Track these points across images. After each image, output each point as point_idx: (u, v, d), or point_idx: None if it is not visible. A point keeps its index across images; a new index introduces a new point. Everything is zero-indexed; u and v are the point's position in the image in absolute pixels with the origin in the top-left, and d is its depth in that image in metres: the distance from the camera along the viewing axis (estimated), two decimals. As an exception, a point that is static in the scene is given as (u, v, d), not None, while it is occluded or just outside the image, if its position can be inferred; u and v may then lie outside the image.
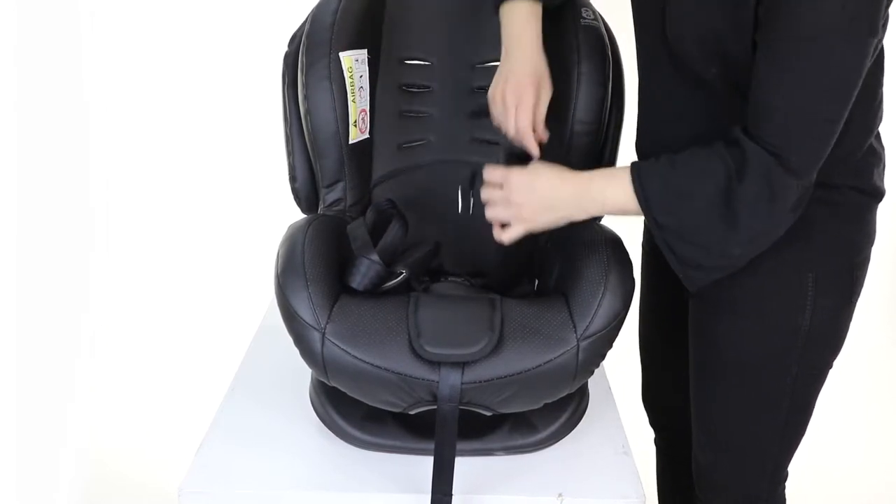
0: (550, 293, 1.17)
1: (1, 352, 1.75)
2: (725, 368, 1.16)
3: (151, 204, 2.11)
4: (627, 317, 1.12)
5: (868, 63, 0.96)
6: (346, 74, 1.25)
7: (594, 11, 1.31)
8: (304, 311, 1.07)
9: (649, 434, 1.50)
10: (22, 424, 1.79)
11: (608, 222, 1.23)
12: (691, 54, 1.06)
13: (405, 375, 1.04)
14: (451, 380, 1.04)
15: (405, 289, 1.17)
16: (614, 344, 1.12)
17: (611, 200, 1.07)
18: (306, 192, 1.32)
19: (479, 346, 1.04)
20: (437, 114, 1.39)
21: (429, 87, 1.39)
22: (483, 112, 1.22)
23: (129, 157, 2.08)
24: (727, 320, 1.14)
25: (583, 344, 1.07)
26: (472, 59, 1.38)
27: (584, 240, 1.15)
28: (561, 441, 1.18)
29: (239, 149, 2.06)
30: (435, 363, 1.04)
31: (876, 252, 1.15)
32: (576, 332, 1.07)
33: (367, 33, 1.31)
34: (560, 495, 1.09)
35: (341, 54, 1.25)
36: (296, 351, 1.09)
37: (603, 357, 1.12)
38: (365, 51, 1.29)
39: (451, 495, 1.04)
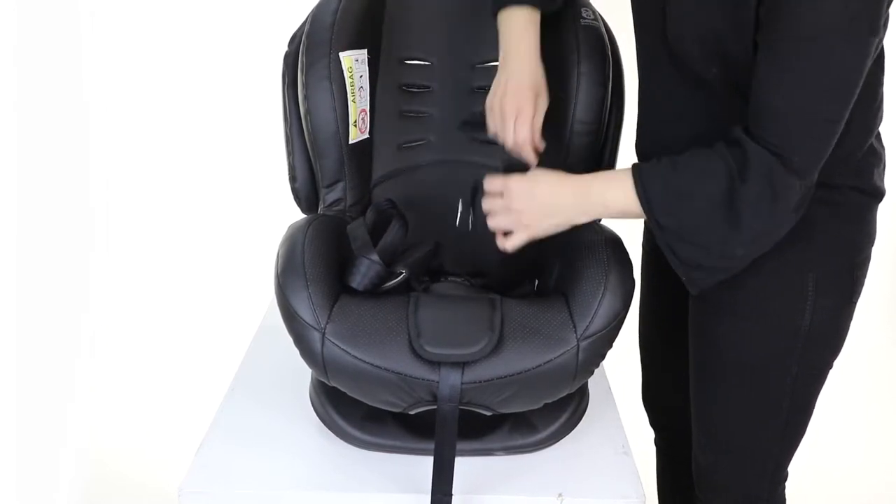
0: (550, 293, 1.17)
1: (1, 352, 1.75)
2: (726, 369, 1.16)
3: (151, 204, 2.11)
4: (627, 317, 1.12)
5: (869, 63, 0.96)
6: (346, 74, 1.25)
7: (594, 11, 1.31)
8: (304, 311, 1.07)
9: (649, 434, 1.50)
10: (22, 424, 1.79)
11: (608, 223, 1.23)
12: (691, 54, 1.06)
13: (405, 375, 1.04)
14: (451, 380, 1.04)
15: (405, 289, 1.17)
16: (614, 344, 1.12)
17: (612, 203, 1.07)
18: (306, 192, 1.32)
19: (479, 346, 1.04)
20: (437, 114, 1.39)
21: (429, 87, 1.39)
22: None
23: (129, 157, 2.08)
24: (727, 321, 1.14)
25: (583, 344, 1.07)
26: (472, 59, 1.38)
27: (584, 240, 1.15)
28: (561, 441, 1.18)
29: (239, 149, 2.06)
30: (435, 363, 1.04)
31: (876, 252, 1.15)
32: (576, 332, 1.07)
33: (367, 33, 1.31)
34: (560, 495, 1.09)
35: (341, 54, 1.25)
36: (296, 351, 1.09)
37: (603, 357, 1.12)
38: (365, 51, 1.29)
39: (451, 495, 1.04)
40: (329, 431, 1.18)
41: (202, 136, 2.07)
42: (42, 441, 1.89)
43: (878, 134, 1.12)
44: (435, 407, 1.05)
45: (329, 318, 1.07)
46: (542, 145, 1.18)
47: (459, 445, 1.06)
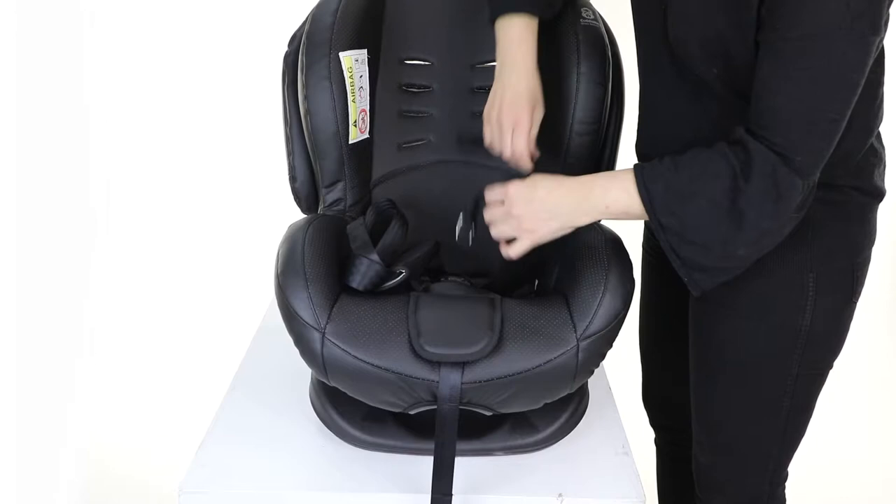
0: (550, 293, 1.17)
1: (1, 352, 1.75)
2: (726, 368, 1.16)
3: (151, 204, 2.11)
4: (627, 317, 1.12)
5: (870, 62, 0.96)
6: (346, 74, 1.25)
7: (594, 11, 1.31)
8: (304, 311, 1.07)
9: (649, 434, 1.50)
10: (22, 424, 1.79)
11: (608, 223, 1.23)
12: (693, 56, 1.06)
13: (405, 375, 1.04)
14: (451, 380, 1.04)
15: (405, 289, 1.17)
16: (614, 344, 1.12)
17: (613, 203, 1.06)
18: (306, 192, 1.32)
19: (479, 346, 1.04)
20: (437, 114, 1.39)
21: (429, 87, 1.39)
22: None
23: (130, 157, 2.08)
24: (728, 320, 1.14)
25: (583, 344, 1.07)
26: (472, 59, 1.38)
27: (583, 240, 1.15)
28: (561, 441, 1.18)
29: (239, 149, 2.06)
30: (435, 363, 1.04)
31: (876, 252, 1.15)
32: (576, 332, 1.07)
33: (367, 33, 1.31)
34: (560, 495, 1.09)
35: (341, 54, 1.25)
36: (296, 351, 1.09)
37: (603, 357, 1.12)
38: (365, 51, 1.29)
39: (451, 495, 1.04)
40: (329, 431, 1.18)
41: (202, 136, 2.07)
42: (42, 441, 1.89)
43: (879, 134, 1.12)
44: (435, 407, 1.05)
45: (329, 318, 1.07)
46: (537, 154, 1.19)
47: (459, 445, 1.06)
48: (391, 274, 1.14)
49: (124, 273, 2.13)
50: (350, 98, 1.25)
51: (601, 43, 1.28)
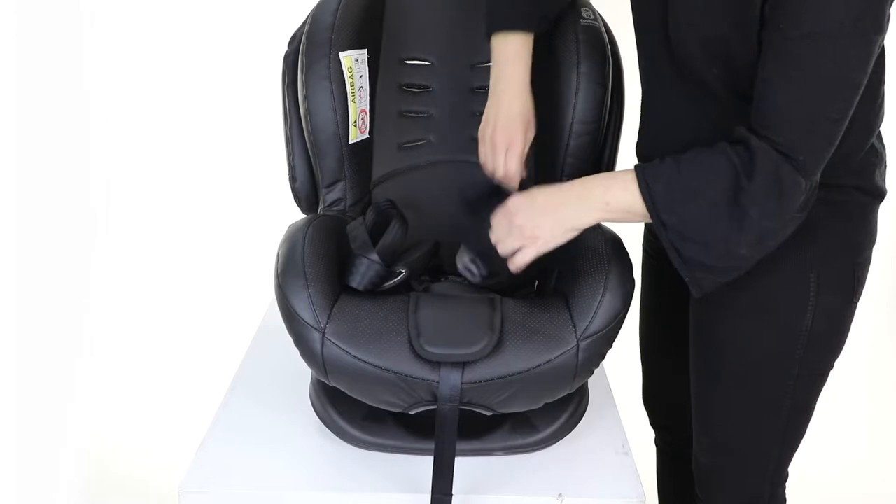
0: (550, 293, 1.17)
1: (1, 352, 1.75)
2: (726, 369, 1.16)
3: (151, 204, 2.11)
4: (627, 317, 1.12)
5: (873, 61, 0.96)
6: (346, 74, 1.25)
7: (594, 11, 1.31)
8: (304, 311, 1.07)
9: (649, 434, 1.50)
10: (22, 424, 1.79)
11: (608, 224, 1.23)
12: (694, 56, 1.06)
13: (405, 375, 1.04)
14: (451, 380, 1.04)
15: (405, 289, 1.17)
16: (614, 344, 1.12)
17: (614, 201, 1.06)
18: (306, 192, 1.32)
19: (479, 346, 1.04)
20: (437, 114, 1.39)
21: (429, 87, 1.39)
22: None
23: (130, 157, 2.07)
24: (728, 320, 1.14)
25: (583, 344, 1.07)
26: (472, 59, 1.38)
27: (584, 240, 1.15)
28: (561, 441, 1.18)
29: (239, 149, 2.06)
30: (435, 363, 1.04)
31: (876, 252, 1.15)
32: (576, 332, 1.07)
33: (367, 33, 1.31)
34: (560, 495, 1.09)
35: (341, 54, 1.25)
36: (296, 351, 1.09)
37: (603, 357, 1.12)
38: (365, 51, 1.29)
39: (451, 495, 1.04)
40: (329, 431, 1.18)
41: (202, 136, 2.07)
42: (42, 441, 1.89)
43: (880, 134, 1.12)
44: (435, 407, 1.05)
45: (329, 318, 1.07)
46: (525, 174, 1.22)
47: (459, 445, 1.06)
48: (391, 274, 1.14)
49: (124, 273, 2.13)
50: (350, 98, 1.25)
51: (601, 43, 1.28)
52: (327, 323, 1.06)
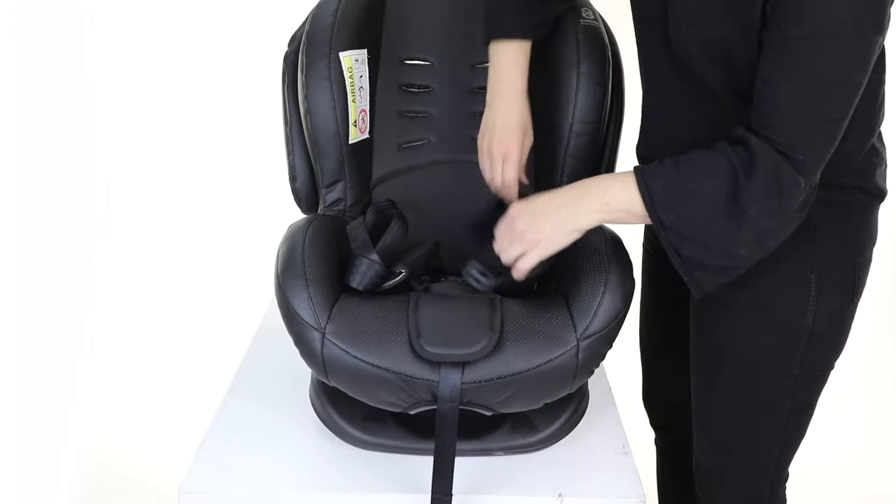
0: (550, 293, 1.17)
1: (1, 352, 1.75)
2: (726, 369, 1.16)
3: (151, 204, 2.11)
4: (627, 317, 1.12)
5: (873, 61, 0.96)
6: (346, 74, 1.25)
7: (594, 11, 1.31)
8: (304, 311, 1.07)
9: (649, 434, 1.49)
10: (22, 424, 1.79)
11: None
12: (694, 57, 1.06)
13: (405, 375, 1.04)
14: (451, 380, 1.04)
15: (405, 289, 1.17)
16: (614, 344, 1.12)
17: (613, 201, 1.06)
18: (306, 192, 1.32)
19: (480, 346, 1.04)
20: (437, 114, 1.39)
21: (429, 87, 1.39)
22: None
23: (130, 157, 2.07)
24: (729, 320, 1.14)
25: (583, 344, 1.07)
26: (472, 59, 1.38)
27: (584, 240, 1.15)
28: (561, 441, 1.18)
29: (239, 149, 2.06)
30: (435, 363, 1.04)
31: (877, 252, 1.15)
32: (576, 331, 1.07)
33: (367, 33, 1.31)
34: (560, 495, 1.09)
35: (341, 54, 1.25)
36: (296, 351, 1.09)
37: (603, 357, 1.11)
38: (365, 51, 1.29)
39: (451, 495, 1.04)
40: (329, 431, 1.17)
41: (202, 136, 2.07)
42: (42, 441, 1.89)
43: (880, 134, 1.12)
44: (435, 407, 1.05)
45: (329, 318, 1.07)
46: (525, 182, 1.23)
47: (459, 445, 1.06)
48: (391, 274, 1.14)
49: (124, 273, 2.13)
50: (350, 98, 1.25)
51: (601, 43, 1.28)
52: (327, 323, 1.06)
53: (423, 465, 1.09)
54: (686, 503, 1.37)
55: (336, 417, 1.17)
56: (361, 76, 1.28)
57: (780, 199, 0.98)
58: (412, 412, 1.09)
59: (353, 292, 1.12)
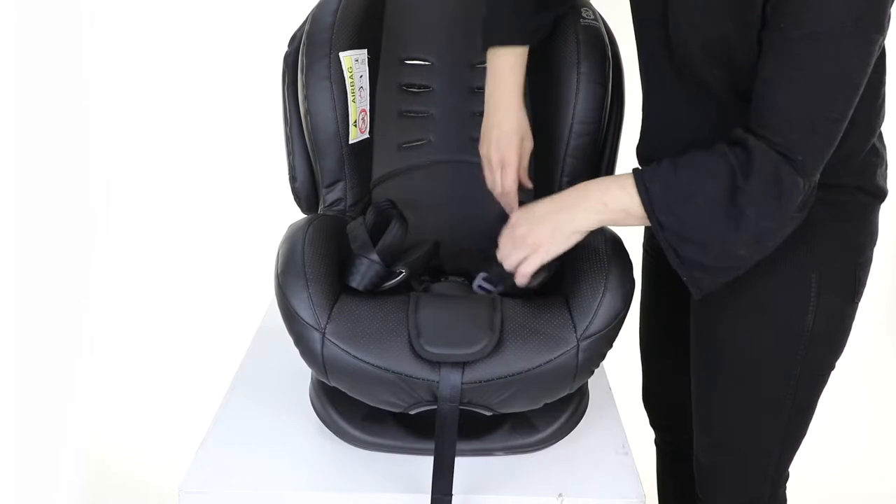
0: (550, 293, 1.17)
1: (1, 352, 1.75)
2: (727, 369, 1.16)
3: (151, 204, 2.11)
4: (627, 317, 1.12)
5: (873, 61, 0.96)
6: (347, 74, 1.25)
7: (594, 11, 1.31)
8: (304, 311, 1.07)
9: (649, 434, 1.49)
10: (22, 424, 1.79)
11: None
12: (694, 57, 1.06)
13: (405, 375, 1.04)
14: (451, 380, 1.04)
15: (405, 289, 1.17)
16: (614, 344, 1.12)
17: (612, 202, 1.06)
18: (306, 192, 1.32)
19: (480, 346, 1.04)
20: (437, 114, 1.39)
21: (429, 87, 1.39)
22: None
23: (130, 157, 2.07)
24: (729, 321, 1.14)
25: (583, 344, 1.07)
26: (472, 58, 1.38)
27: (583, 240, 1.15)
28: (561, 441, 1.18)
29: (239, 149, 2.06)
30: (435, 363, 1.04)
31: (877, 253, 1.15)
32: (576, 332, 1.07)
33: (367, 33, 1.31)
34: (560, 495, 1.09)
35: (341, 54, 1.25)
36: (296, 351, 1.09)
37: (603, 357, 1.11)
38: (365, 51, 1.29)
39: (451, 495, 1.04)
40: (329, 431, 1.17)
41: (202, 136, 2.07)
42: (42, 441, 1.89)
43: (881, 134, 1.12)
44: (435, 407, 1.05)
45: (329, 318, 1.07)
46: (529, 185, 1.24)
47: (459, 445, 1.06)
48: (391, 274, 1.14)
49: (124, 273, 2.13)
50: (350, 98, 1.25)
51: (601, 43, 1.28)
52: (327, 323, 1.06)
53: (423, 465, 1.09)
54: (686, 503, 1.37)
55: (336, 417, 1.17)
56: (361, 76, 1.28)
57: (779, 199, 0.98)
58: (412, 412, 1.09)
59: (353, 292, 1.12)
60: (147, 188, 2.10)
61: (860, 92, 0.96)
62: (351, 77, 1.25)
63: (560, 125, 1.26)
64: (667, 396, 1.41)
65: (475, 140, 1.36)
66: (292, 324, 1.08)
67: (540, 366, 1.05)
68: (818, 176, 1.00)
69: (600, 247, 1.14)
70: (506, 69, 1.21)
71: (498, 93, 1.22)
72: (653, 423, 1.49)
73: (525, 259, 1.10)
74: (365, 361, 1.05)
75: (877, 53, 0.97)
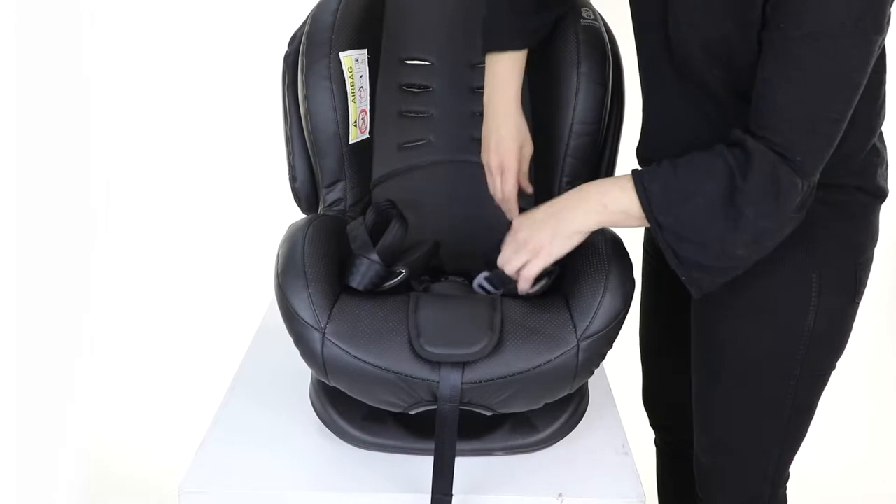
0: (550, 293, 1.17)
1: (1, 352, 1.75)
2: (727, 369, 1.16)
3: (151, 204, 2.11)
4: (627, 317, 1.12)
5: (873, 61, 0.96)
6: (347, 74, 1.25)
7: (594, 11, 1.31)
8: (304, 311, 1.07)
9: (649, 434, 1.49)
10: (22, 424, 1.79)
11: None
12: (694, 58, 1.06)
13: (405, 375, 1.04)
14: (451, 380, 1.04)
15: (405, 289, 1.17)
16: (614, 344, 1.12)
17: (612, 203, 1.06)
18: (306, 192, 1.32)
19: (480, 346, 1.04)
20: (437, 114, 1.39)
21: (429, 87, 1.39)
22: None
23: (130, 157, 2.07)
24: (730, 321, 1.14)
25: (583, 344, 1.07)
26: (472, 58, 1.38)
27: (584, 240, 1.15)
28: (561, 441, 1.18)
29: (239, 149, 2.06)
30: (435, 363, 1.04)
31: (877, 253, 1.15)
32: (576, 332, 1.07)
33: (367, 33, 1.31)
34: (560, 495, 1.09)
35: (341, 54, 1.25)
36: (296, 351, 1.09)
37: (603, 357, 1.11)
38: (365, 51, 1.29)
39: (451, 495, 1.04)
40: (329, 431, 1.17)
41: (202, 136, 2.07)
42: (42, 441, 1.89)
43: (881, 133, 1.12)
44: (435, 407, 1.05)
45: (329, 318, 1.07)
46: (530, 190, 1.25)
47: (459, 445, 1.06)
48: (391, 274, 1.14)
49: (124, 273, 2.13)
50: (350, 98, 1.25)
51: (601, 43, 1.28)
52: (327, 323, 1.06)
53: (423, 465, 1.09)
54: (686, 503, 1.37)
55: (336, 417, 1.17)
56: (361, 76, 1.28)
57: (777, 200, 0.98)
58: (412, 412, 1.09)
59: (353, 292, 1.12)
60: (147, 188, 2.10)
61: (860, 92, 0.96)
62: (351, 77, 1.25)
63: (560, 125, 1.26)
64: (667, 396, 1.41)
65: (475, 140, 1.36)
66: (292, 324, 1.08)
67: (540, 366, 1.05)
68: (818, 176, 1.00)
69: (600, 247, 1.14)
70: (505, 74, 1.22)
71: (497, 98, 1.22)
72: (653, 423, 1.49)
73: (527, 263, 1.11)
74: (365, 361, 1.05)
75: (877, 54, 0.97)
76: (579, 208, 1.08)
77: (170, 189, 2.10)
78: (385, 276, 1.14)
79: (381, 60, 1.36)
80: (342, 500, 1.10)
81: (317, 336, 1.06)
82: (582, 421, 1.21)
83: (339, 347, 1.05)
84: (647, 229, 1.35)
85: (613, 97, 1.30)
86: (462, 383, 1.04)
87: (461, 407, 1.05)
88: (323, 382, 1.14)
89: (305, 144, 1.28)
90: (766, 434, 1.18)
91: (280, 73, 1.32)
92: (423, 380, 1.04)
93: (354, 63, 1.26)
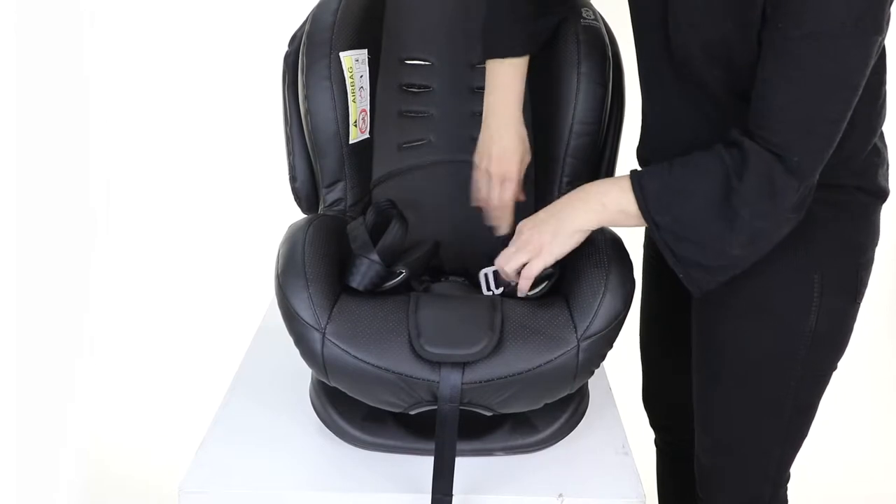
0: (550, 293, 1.17)
1: (1, 352, 1.75)
2: (728, 369, 1.16)
3: (152, 204, 2.11)
4: (627, 317, 1.12)
5: (872, 62, 0.96)
6: (347, 74, 1.25)
7: (594, 11, 1.31)
8: (305, 311, 1.07)
9: (649, 434, 1.49)
10: (22, 424, 1.79)
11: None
12: (695, 58, 1.06)
13: (405, 375, 1.04)
14: (451, 380, 1.04)
15: (405, 289, 1.17)
16: (614, 344, 1.12)
17: (611, 202, 1.07)
18: (306, 192, 1.32)
19: (480, 347, 1.04)
20: (437, 114, 1.39)
21: (429, 87, 1.39)
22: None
23: (130, 157, 2.07)
24: (730, 321, 1.14)
25: (583, 344, 1.07)
26: (472, 59, 1.38)
27: (584, 240, 1.15)
28: (561, 441, 1.18)
29: (239, 149, 2.06)
30: (435, 363, 1.04)
31: (878, 253, 1.15)
32: (576, 332, 1.07)
33: (367, 33, 1.31)
34: (560, 495, 1.09)
35: (342, 54, 1.25)
36: (296, 351, 1.09)
37: (603, 357, 1.11)
38: (365, 51, 1.29)
39: (451, 495, 1.04)
40: (329, 431, 1.17)
41: (202, 136, 2.07)
42: (42, 441, 1.89)
43: (882, 134, 1.12)
44: (435, 407, 1.05)
45: (329, 318, 1.07)
46: (523, 198, 1.25)
47: (459, 445, 1.06)
48: (391, 274, 1.14)
49: (124, 273, 2.13)
50: (350, 98, 1.25)
51: (601, 43, 1.28)
52: (327, 323, 1.06)
53: (423, 465, 1.09)
54: (686, 503, 1.37)
55: (336, 417, 1.17)
56: (362, 76, 1.28)
57: (773, 200, 0.98)
58: (412, 412, 1.09)
59: (354, 292, 1.12)
60: (147, 188, 2.10)
61: (859, 93, 0.96)
62: (351, 77, 1.25)
63: (560, 125, 1.26)
64: (667, 396, 1.41)
65: (475, 140, 1.36)
66: (292, 324, 1.08)
67: (540, 366, 1.05)
68: (816, 177, 1.00)
69: (601, 247, 1.15)
70: (505, 80, 1.22)
71: (495, 107, 1.22)
72: (653, 424, 1.49)
73: (528, 263, 1.11)
74: (365, 361, 1.04)
75: (876, 54, 0.97)
76: (579, 208, 1.09)
77: (170, 189, 2.10)
78: (385, 276, 1.14)
79: (382, 60, 1.36)
80: (342, 500, 1.10)
81: (317, 336, 1.06)
82: (582, 421, 1.21)
83: (340, 347, 1.05)
84: (647, 229, 1.35)
85: (613, 97, 1.30)
86: (462, 383, 1.04)
87: (461, 407, 1.05)
88: (323, 382, 1.14)
89: (306, 144, 1.28)
90: (767, 434, 1.18)
91: (280, 73, 1.32)
92: (424, 380, 1.04)
93: (354, 63, 1.26)
